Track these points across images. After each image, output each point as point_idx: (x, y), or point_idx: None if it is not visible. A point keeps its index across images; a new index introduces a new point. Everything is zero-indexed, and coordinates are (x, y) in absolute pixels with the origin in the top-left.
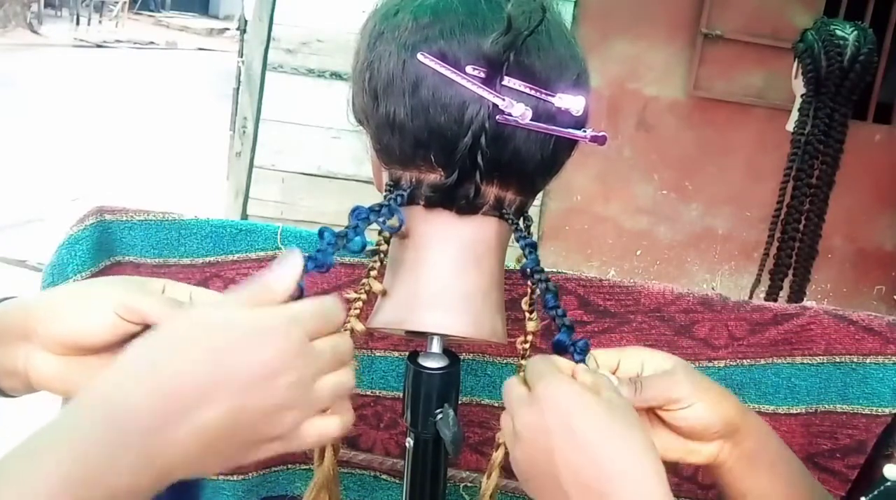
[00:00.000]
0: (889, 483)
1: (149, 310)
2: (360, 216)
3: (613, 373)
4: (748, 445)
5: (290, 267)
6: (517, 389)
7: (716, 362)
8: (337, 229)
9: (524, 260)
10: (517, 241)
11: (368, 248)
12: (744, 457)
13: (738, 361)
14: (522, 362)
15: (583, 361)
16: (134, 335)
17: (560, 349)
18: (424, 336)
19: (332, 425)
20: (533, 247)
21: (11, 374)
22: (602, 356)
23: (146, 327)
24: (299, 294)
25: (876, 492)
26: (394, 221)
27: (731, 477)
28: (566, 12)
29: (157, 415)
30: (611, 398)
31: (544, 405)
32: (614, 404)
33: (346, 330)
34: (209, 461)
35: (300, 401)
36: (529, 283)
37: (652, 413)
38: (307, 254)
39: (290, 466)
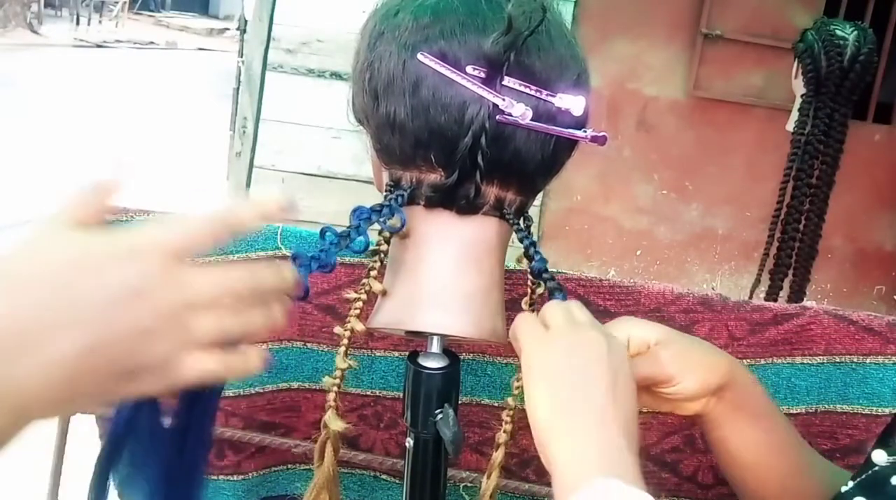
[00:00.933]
0: (877, 468)
1: None
2: (362, 216)
3: None
4: (731, 397)
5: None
6: (580, 314)
7: None
8: (339, 229)
9: (527, 260)
10: (521, 241)
11: (370, 248)
12: (727, 408)
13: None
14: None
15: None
16: None
17: None
18: (424, 336)
19: (212, 361)
20: (536, 247)
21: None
22: None
23: None
24: (304, 295)
25: (864, 476)
26: (395, 221)
27: (712, 425)
28: (566, 12)
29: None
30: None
31: (584, 331)
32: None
33: (346, 330)
34: (76, 399)
35: (169, 330)
36: (530, 282)
37: None
38: (310, 254)
39: (290, 466)
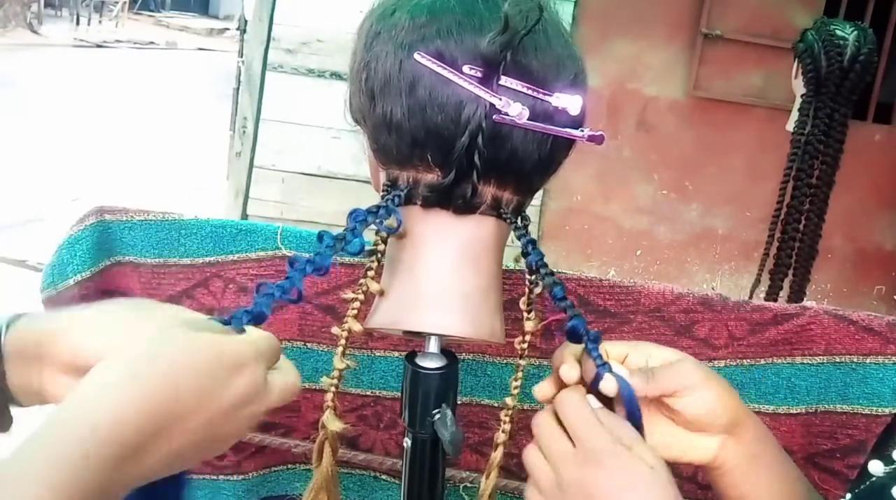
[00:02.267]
0: (874, 479)
1: None
2: (358, 219)
3: (622, 364)
4: (748, 443)
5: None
6: (560, 442)
7: (716, 362)
8: (335, 232)
9: (524, 258)
10: (518, 238)
11: (366, 248)
12: (745, 457)
13: (738, 361)
14: (521, 362)
15: (595, 349)
16: None
17: (574, 337)
18: (423, 336)
19: None
20: (533, 243)
21: (27, 392)
22: (612, 348)
23: None
24: (298, 298)
25: (861, 487)
26: (391, 222)
27: (730, 479)
28: (566, 12)
29: (134, 438)
30: (643, 456)
31: (590, 463)
32: (649, 465)
33: (344, 330)
34: (172, 470)
35: (249, 428)
36: (528, 281)
37: (655, 404)
38: (306, 257)
39: (290, 466)
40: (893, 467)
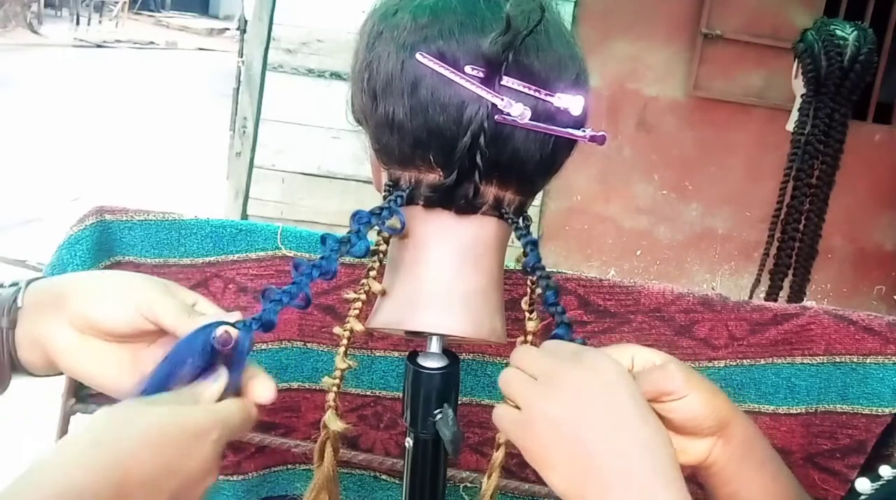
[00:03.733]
0: (863, 497)
1: (163, 314)
2: (362, 221)
3: None
4: (738, 443)
5: (220, 381)
6: (564, 347)
7: (716, 362)
8: (339, 235)
9: (525, 259)
10: (518, 239)
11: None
12: (734, 457)
13: (738, 361)
14: None
15: None
16: (149, 334)
17: None
18: (424, 336)
19: None
20: (534, 244)
21: (33, 342)
22: None
23: (160, 331)
24: (305, 303)
25: None
26: (395, 223)
27: (721, 478)
28: (566, 12)
29: None
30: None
31: (599, 367)
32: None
33: (346, 330)
34: None
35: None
36: (529, 282)
37: None
38: (312, 262)
39: (290, 466)
40: (880, 483)
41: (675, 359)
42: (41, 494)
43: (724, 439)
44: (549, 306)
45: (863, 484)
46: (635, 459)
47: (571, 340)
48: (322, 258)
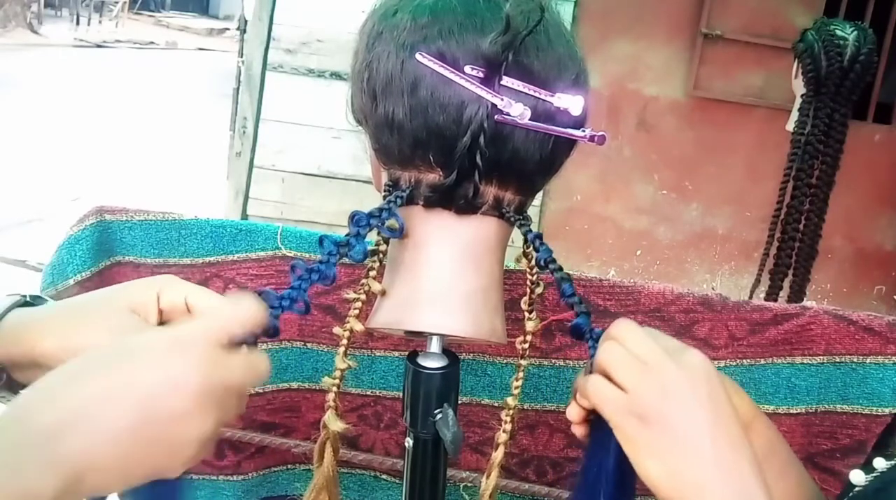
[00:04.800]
0: (858, 489)
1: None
2: (360, 223)
3: None
4: (761, 444)
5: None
6: (664, 337)
7: (716, 362)
8: (337, 236)
9: (533, 251)
10: (524, 235)
11: (368, 248)
12: (759, 454)
13: (738, 361)
14: (522, 361)
15: (595, 348)
16: None
17: (577, 334)
18: (424, 336)
19: None
20: (540, 239)
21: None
22: None
23: None
24: (306, 310)
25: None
26: (393, 224)
27: None
28: (566, 12)
29: (56, 422)
30: None
31: (702, 366)
32: None
33: (346, 330)
34: (131, 470)
35: (212, 408)
36: (529, 282)
37: None
38: (310, 266)
39: (290, 466)
40: (874, 474)
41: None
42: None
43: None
44: (568, 297)
45: (857, 476)
46: (734, 458)
47: (591, 329)
48: (320, 263)
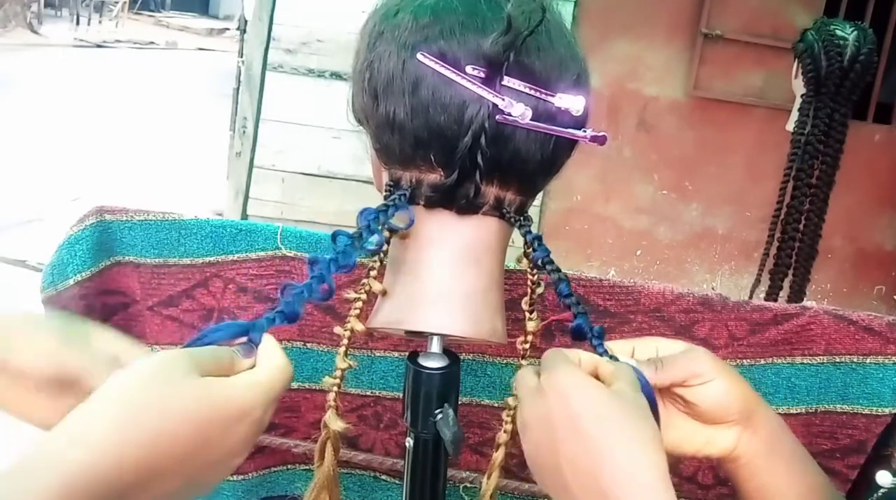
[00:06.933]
0: (884, 490)
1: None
2: (370, 216)
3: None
4: (765, 434)
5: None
6: (528, 378)
7: None
8: (349, 231)
9: (532, 251)
10: (524, 235)
11: (369, 248)
12: (762, 449)
13: (738, 361)
14: (523, 362)
15: (601, 346)
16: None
17: (579, 335)
18: (424, 336)
19: None
20: (539, 239)
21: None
22: (616, 346)
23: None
24: (328, 295)
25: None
26: (403, 218)
27: (748, 471)
28: (566, 12)
29: (126, 482)
30: (621, 390)
31: (549, 395)
32: (622, 396)
33: (346, 330)
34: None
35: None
36: (529, 282)
37: (670, 399)
38: (329, 257)
39: (290, 466)
40: None
41: (701, 347)
42: (61, 472)
43: (751, 430)
44: (564, 298)
45: (884, 478)
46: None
47: (591, 329)
48: (339, 253)
